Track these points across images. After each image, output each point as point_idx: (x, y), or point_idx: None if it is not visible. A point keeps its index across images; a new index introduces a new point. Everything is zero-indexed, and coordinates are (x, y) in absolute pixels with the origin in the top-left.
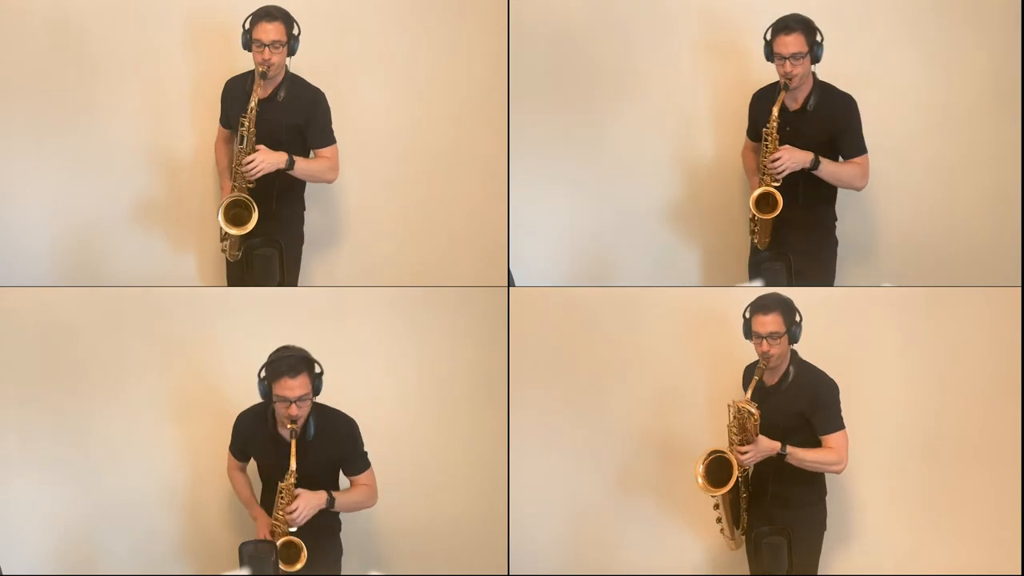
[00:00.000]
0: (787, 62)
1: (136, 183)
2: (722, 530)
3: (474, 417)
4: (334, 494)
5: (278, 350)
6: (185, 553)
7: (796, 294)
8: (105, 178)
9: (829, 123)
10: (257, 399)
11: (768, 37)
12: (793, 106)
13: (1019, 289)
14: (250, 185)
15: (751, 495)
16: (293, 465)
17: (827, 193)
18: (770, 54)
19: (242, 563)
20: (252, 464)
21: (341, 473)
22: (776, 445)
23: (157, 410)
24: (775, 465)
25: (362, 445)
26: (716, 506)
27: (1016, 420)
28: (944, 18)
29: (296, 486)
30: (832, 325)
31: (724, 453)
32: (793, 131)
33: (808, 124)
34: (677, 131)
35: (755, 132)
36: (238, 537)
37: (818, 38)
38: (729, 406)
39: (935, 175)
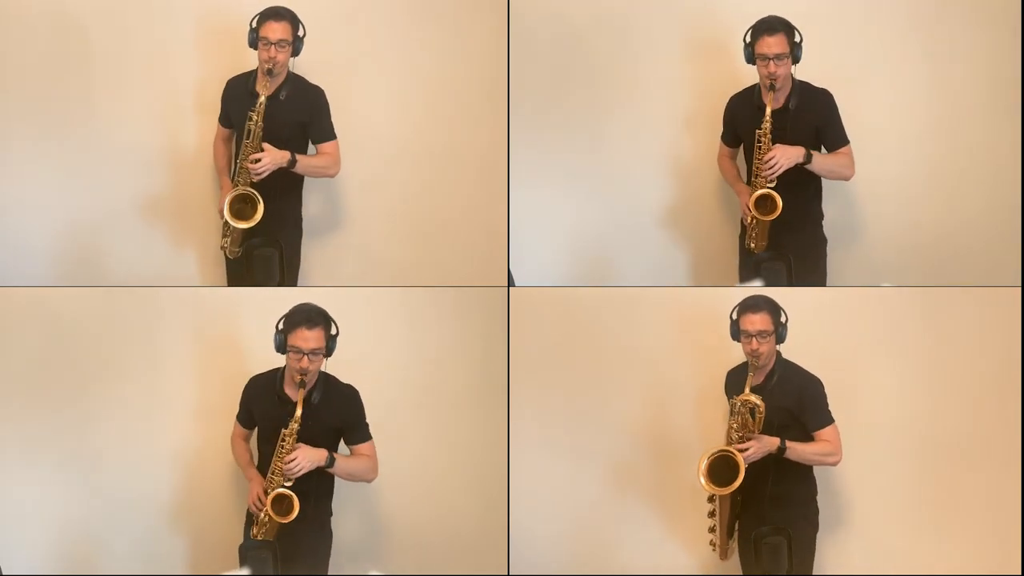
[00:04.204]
0: (771, 62)
1: (137, 183)
2: (712, 541)
3: (474, 417)
4: (335, 455)
5: (298, 304)
6: (185, 552)
7: (796, 294)
8: (106, 178)
9: (812, 119)
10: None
11: (749, 39)
12: (775, 106)
13: (1019, 289)
14: (254, 180)
15: (744, 499)
16: (299, 412)
17: (814, 190)
18: (751, 56)
19: (242, 563)
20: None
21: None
22: (776, 441)
23: (157, 410)
24: (769, 464)
25: (365, 415)
26: (712, 513)
27: (1016, 420)
28: (944, 18)
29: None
30: (832, 325)
31: (729, 452)
32: (778, 131)
33: (792, 123)
34: (677, 131)
35: (732, 137)
36: (239, 539)
37: (797, 39)
38: (733, 403)
39: (935, 175)
